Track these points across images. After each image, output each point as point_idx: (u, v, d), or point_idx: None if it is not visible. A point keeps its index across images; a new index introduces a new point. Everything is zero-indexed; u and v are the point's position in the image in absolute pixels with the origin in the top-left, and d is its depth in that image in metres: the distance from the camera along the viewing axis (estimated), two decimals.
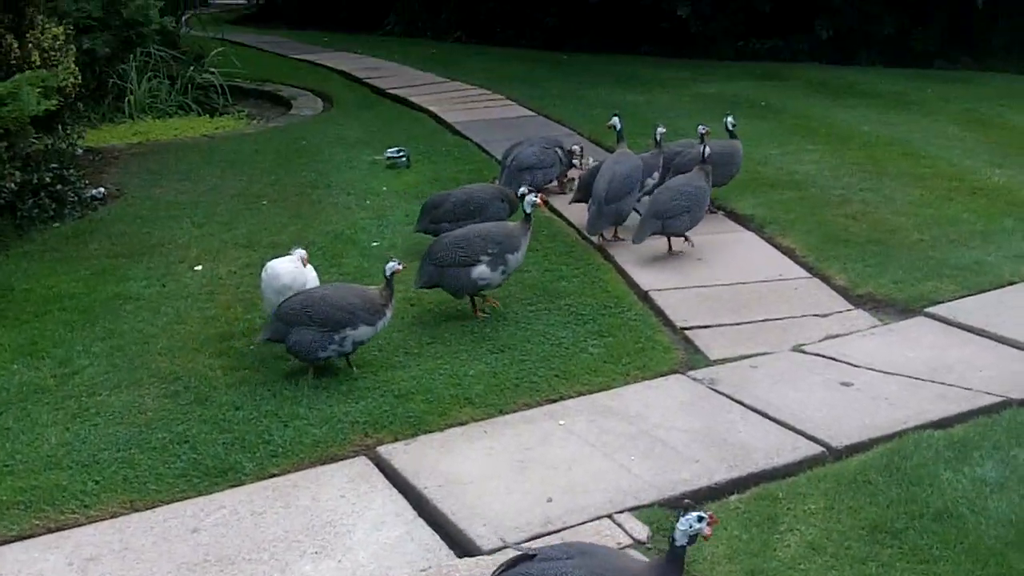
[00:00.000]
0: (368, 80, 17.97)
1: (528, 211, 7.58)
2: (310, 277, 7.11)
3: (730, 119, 9.76)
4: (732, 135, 9.75)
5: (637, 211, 9.19)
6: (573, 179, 10.26)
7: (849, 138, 12.42)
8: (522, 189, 7.76)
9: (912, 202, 9.79)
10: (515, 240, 7.46)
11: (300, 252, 7.14)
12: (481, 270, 7.36)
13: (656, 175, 9.34)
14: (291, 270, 7.07)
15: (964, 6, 17.82)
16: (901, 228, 9.09)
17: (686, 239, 8.77)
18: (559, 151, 10.15)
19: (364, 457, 5.83)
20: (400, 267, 6.77)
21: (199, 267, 8.74)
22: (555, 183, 10.33)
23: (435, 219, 8.66)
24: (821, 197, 10.01)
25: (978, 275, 8.02)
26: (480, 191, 8.79)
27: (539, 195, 7.69)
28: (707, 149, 8.92)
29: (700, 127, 9.55)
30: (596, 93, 15.95)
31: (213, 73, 16.04)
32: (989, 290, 7.80)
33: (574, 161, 10.37)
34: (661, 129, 9.56)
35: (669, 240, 8.76)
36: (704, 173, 8.76)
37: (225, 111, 15.76)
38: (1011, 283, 7.92)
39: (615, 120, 9.47)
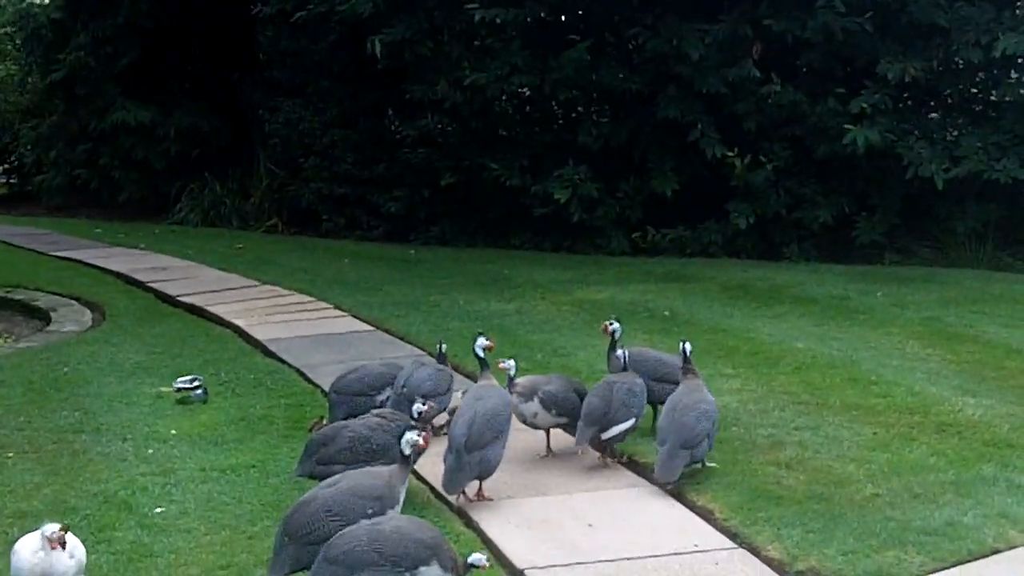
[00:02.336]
0: (153, 284, 17.99)
1: (407, 453, 7.72)
2: (63, 563, 6.88)
3: (687, 345, 9.73)
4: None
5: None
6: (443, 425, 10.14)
7: (778, 359, 12.57)
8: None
9: (863, 444, 9.86)
10: (394, 491, 7.56)
11: (48, 530, 6.93)
12: None
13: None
14: (31, 559, 6.85)
15: (920, 186, 18.19)
16: (850, 479, 9.12)
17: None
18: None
19: None
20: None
21: None
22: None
23: (324, 459, 8.65)
24: (745, 439, 10.04)
25: (952, 541, 8.01)
26: (381, 425, 8.86)
27: (423, 434, 7.85)
28: (687, 346, 9.55)
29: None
30: (452, 300, 16.10)
31: None
32: (968, 561, 7.78)
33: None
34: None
35: (700, 461, 9.18)
36: (698, 379, 9.45)
37: None
38: (995, 551, 7.91)
39: (482, 342, 9.60)
